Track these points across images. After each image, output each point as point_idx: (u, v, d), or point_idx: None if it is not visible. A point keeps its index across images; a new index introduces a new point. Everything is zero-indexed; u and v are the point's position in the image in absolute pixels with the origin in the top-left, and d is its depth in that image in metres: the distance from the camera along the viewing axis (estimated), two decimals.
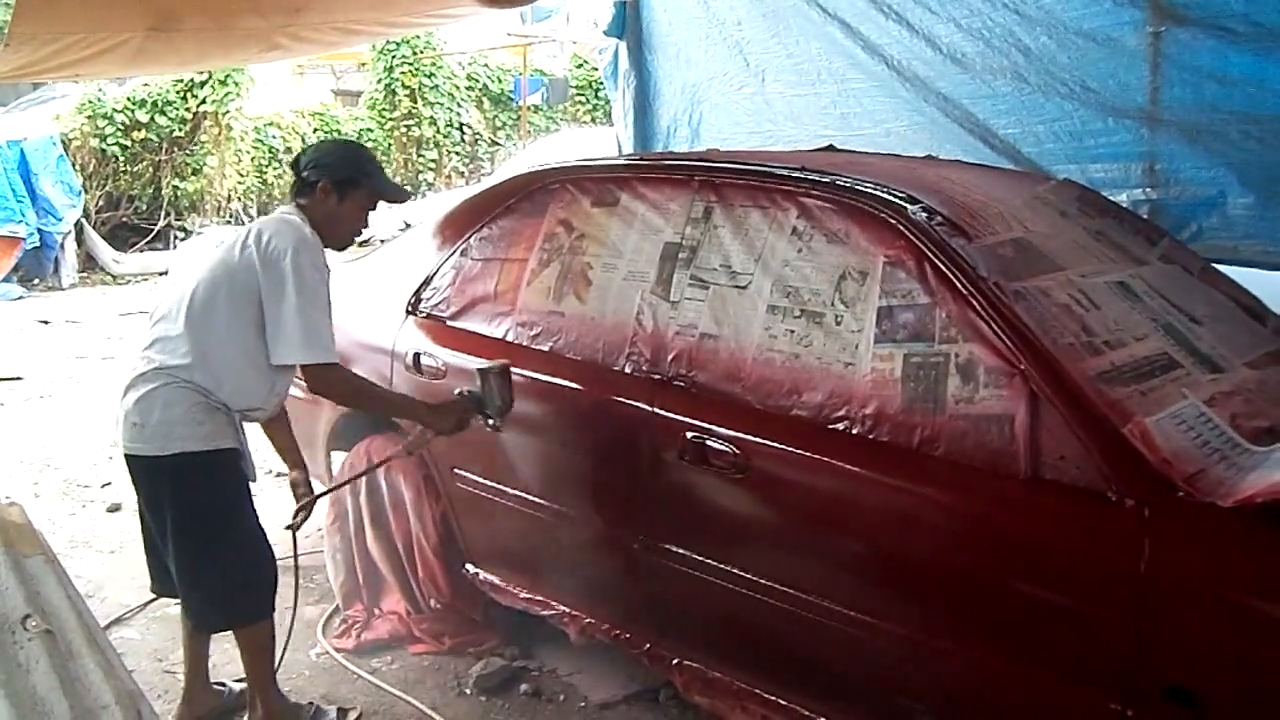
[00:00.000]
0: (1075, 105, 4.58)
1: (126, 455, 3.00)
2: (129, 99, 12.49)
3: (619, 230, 3.21)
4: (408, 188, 3.47)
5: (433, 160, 16.76)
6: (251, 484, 3.16)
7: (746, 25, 5.60)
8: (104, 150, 12.33)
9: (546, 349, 3.27)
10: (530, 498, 3.30)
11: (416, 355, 3.60)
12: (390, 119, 16.46)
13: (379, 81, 16.47)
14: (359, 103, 17.21)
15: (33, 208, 10.85)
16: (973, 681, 2.40)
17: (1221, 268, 3.42)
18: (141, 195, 12.68)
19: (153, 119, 12.58)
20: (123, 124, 12.45)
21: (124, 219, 12.21)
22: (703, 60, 5.77)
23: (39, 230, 10.95)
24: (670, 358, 2.95)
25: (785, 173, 2.93)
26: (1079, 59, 4.51)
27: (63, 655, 2.02)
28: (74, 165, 11.79)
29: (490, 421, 3.11)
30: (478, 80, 17.85)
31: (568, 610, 3.31)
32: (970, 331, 2.44)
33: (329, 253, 3.10)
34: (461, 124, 17.39)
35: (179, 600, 3.23)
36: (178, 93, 12.68)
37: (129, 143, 12.57)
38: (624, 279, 3.13)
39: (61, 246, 11.32)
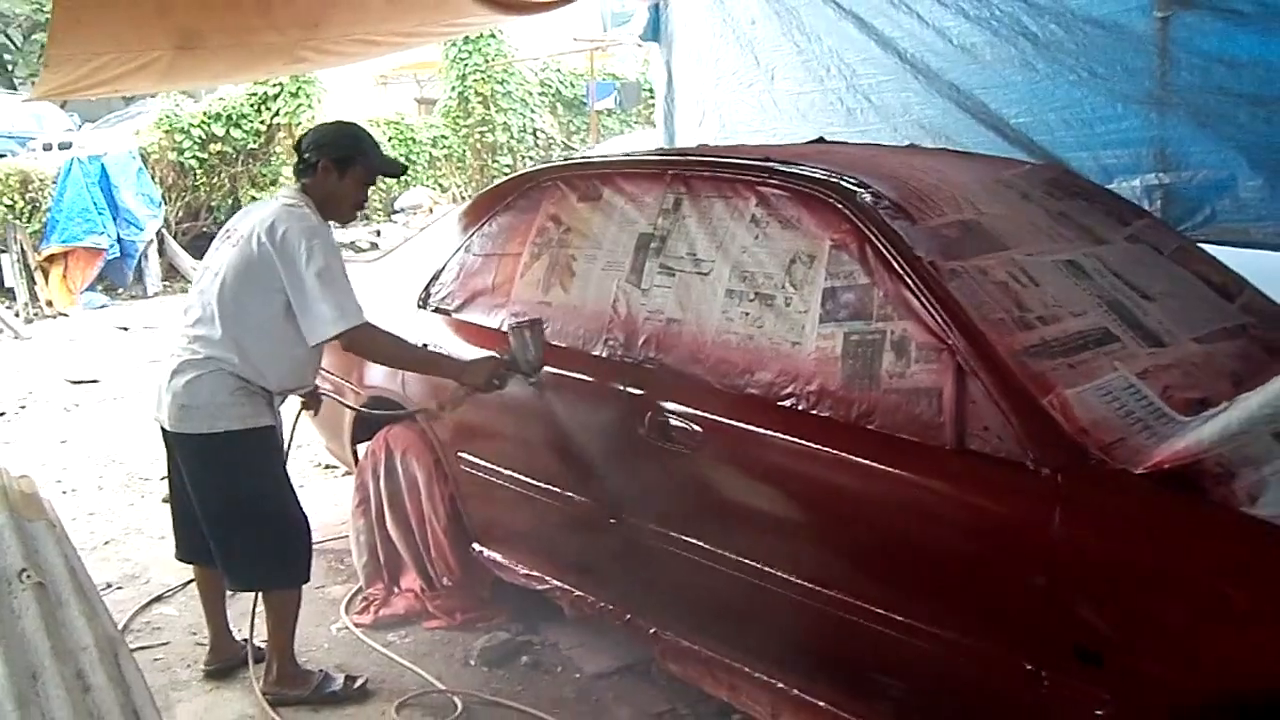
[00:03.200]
0: (1085, 92, 4.60)
1: (172, 433, 3.30)
2: (205, 113, 13.02)
3: (600, 223, 3.38)
4: (402, 161, 3.70)
5: (507, 165, 17.07)
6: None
7: (760, 24, 5.73)
8: (182, 163, 12.86)
9: None
10: (523, 478, 3.49)
11: (424, 346, 3.80)
12: (464, 125, 16.78)
13: (452, 89, 16.82)
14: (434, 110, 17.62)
15: (114, 220, 11.38)
16: (902, 643, 2.50)
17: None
18: (220, 205, 13.18)
19: (228, 132, 13.08)
20: (199, 138, 12.97)
21: (204, 229, 12.70)
22: (715, 60, 5.91)
23: (120, 241, 11.48)
24: (641, 341, 3.11)
25: (747, 164, 3.07)
26: (1087, 46, 4.53)
27: (51, 604, 2.24)
28: (154, 178, 12.32)
29: (527, 378, 3.27)
30: (550, 86, 18.11)
31: (560, 585, 3.49)
32: (904, 310, 2.56)
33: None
34: (535, 129, 17.66)
35: (204, 567, 3.55)
36: (251, 106, 13.17)
37: (206, 155, 13.07)
38: (603, 269, 3.30)
39: (144, 256, 11.85)
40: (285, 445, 3.52)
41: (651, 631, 3.17)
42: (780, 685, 2.83)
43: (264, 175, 13.46)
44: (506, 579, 3.73)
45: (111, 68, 4.20)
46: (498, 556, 3.74)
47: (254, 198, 13.35)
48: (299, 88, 13.05)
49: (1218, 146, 4.29)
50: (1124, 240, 3.17)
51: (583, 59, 17.72)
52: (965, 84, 4.93)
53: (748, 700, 2.95)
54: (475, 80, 16.49)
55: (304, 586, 3.54)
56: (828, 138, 4.65)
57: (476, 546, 3.82)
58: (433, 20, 4.58)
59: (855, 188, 2.82)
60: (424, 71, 20.20)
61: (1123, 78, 4.45)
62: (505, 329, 3.32)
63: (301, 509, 3.45)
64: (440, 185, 15.71)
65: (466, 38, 15.77)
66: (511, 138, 16.99)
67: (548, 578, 3.53)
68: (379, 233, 13.28)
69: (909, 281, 2.56)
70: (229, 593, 3.65)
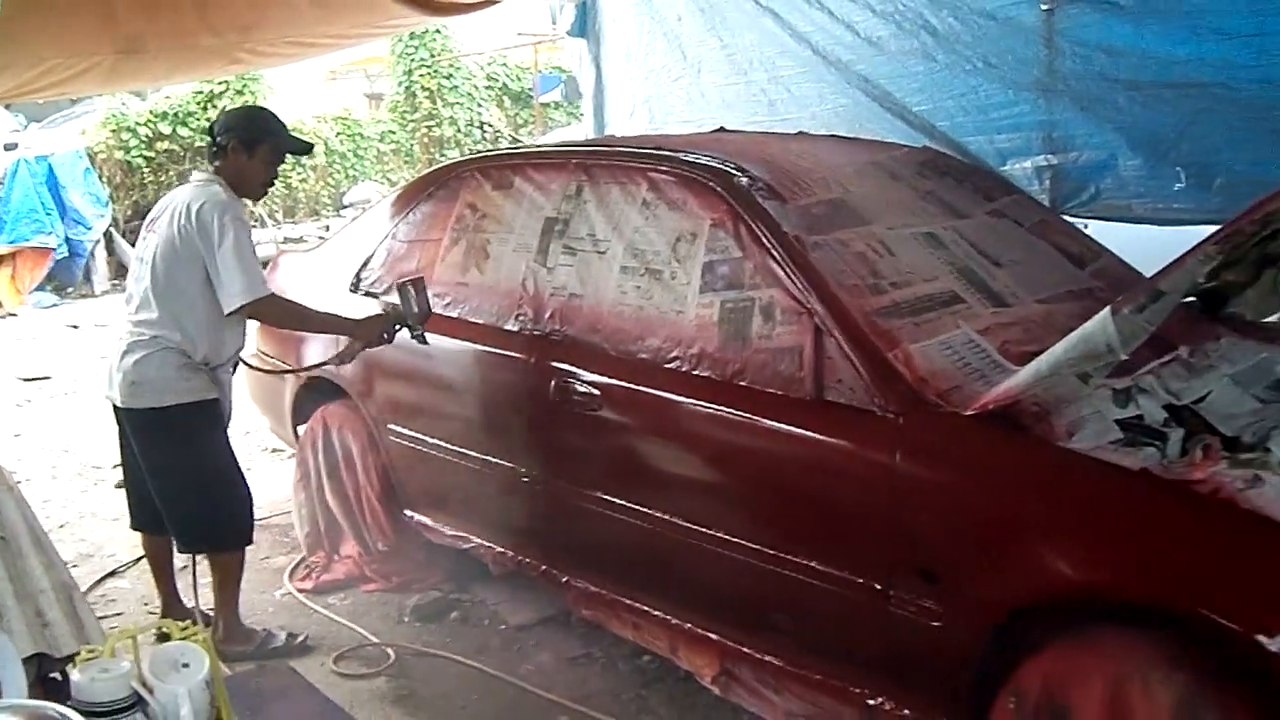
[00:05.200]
0: (980, 80, 4.90)
1: (124, 409, 3.57)
2: (151, 112, 13.11)
3: (512, 209, 3.69)
4: (308, 140, 3.99)
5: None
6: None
7: (686, 20, 6.00)
8: (129, 162, 12.95)
9: (455, 315, 3.74)
10: (446, 446, 3.79)
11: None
12: (412, 120, 16.95)
13: (399, 84, 16.99)
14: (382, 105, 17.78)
15: (62, 220, 11.48)
16: (776, 575, 2.81)
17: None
18: None
19: (175, 130, 13.18)
20: (146, 136, 13.07)
21: None
22: (644, 55, 6.19)
23: (69, 240, 11.58)
24: (547, 315, 3.42)
25: (640, 152, 3.38)
26: (981, 37, 4.82)
27: (13, 555, 2.53)
28: (101, 177, 12.41)
29: (412, 331, 3.57)
30: (497, 80, 18.31)
31: (482, 543, 3.79)
32: (771, 279, 2.88)
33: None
34: (482, 123, 17.85)
35: (153, 535, 3.83)
36: (198, 104, 13.28)
37: (153, 154, 13.16)
38: (514, 251, 3.61)
39: (92, 255, 11.97)
40: (229, 416, 3.77)
41: (564, 580, 3.48)
42: (675, 621, 3.15)
43: None
44: (436, 541, 4.02)
45: (56, 72, 4.43)
46: (427, 520, 4.03)
47: None
48: (244, 85, 13.18)
49: (1100, 129, 4.59)
50: (985, 215, 3.51)
51: (530, 53, 17.94)
52: (872, 74, 5.21)
53: (649, 638, 3.27)
54: (422, 75, 16.67)
55: (251, 558, 3.84)
56: (750, 127, 4.98)
57: (408, 512, 4.11)
58: (363, 23, 4.82)
59: (733, 172, 3.13)
60: (373, 66, 20.27)
61: (1013, 67, 4.74)
62: (394, 285, 3.65)
63: (244, 477, 3.75)
64: (389, 180, 15.90)
65: (412, 34, 15.95)
66: (459, 132, 17.18)
67: (471, 537, 3.84)
68: (327, 228, 13.46)
69: (775, 254, 2.89)
70: (178, 560, 3.91)
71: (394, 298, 3.62)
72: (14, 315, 11.04)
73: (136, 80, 5.71)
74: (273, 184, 3.75)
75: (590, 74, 6.76)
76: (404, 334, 3.59)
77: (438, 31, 16.32)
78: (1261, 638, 2.03)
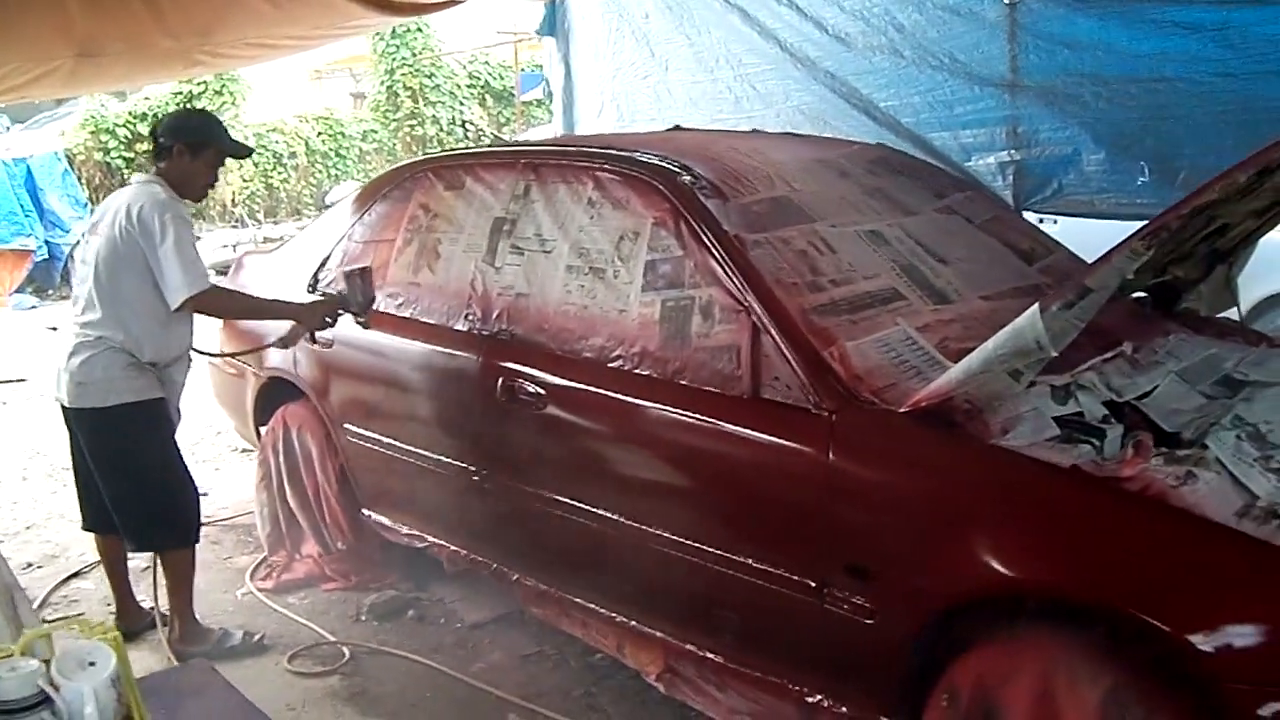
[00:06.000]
0: (945, 76, 4.91)
1: (71, 409, 3.60)
2: (130, 113, 13.13)
3: (463, 209, 3.69)
4: (249, 144, 4.04)
5: None
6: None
7: (654, 18, 6.01)
8: (108, 163, 12.98)
9: (407, 315, 3.75)
10: (400, 445, 3.79)
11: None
12: (394, 119, 16.98)
13: (381, 83, 17.00)
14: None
15: (40, 222, 11.48)
16: (716, 573, 2.82)
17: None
18: None
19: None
20: (125, 137, 13.09)
21: None
22: (612, 53, 6.20)
23: (47, 243, 11.57)
24: (495, 315, 3.43)
25: (587, 151, 3.38)
26: (946, 33, 4.84)
27: None
28: (80, 179, 12.42)
29: (356, 317, 3.65)
30: (479, 78, 18.34)
31: (436, 541, 3.80)
32: (710, 278, 2.89)
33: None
34: (465, 121, 17.88)
35: (106, 535, 3.84)
36: (178, 104, 13.28)
37: (132, 155, 13.19)
38: (464, 250, 3.61)
39: (71, 257, 11.95)
40: (178, 416, 3.78)
41: (515, 578, 3.49)
42: (620, 619, 3.15)
43: None
44: (392, 539, 4.03)
45: (14, 76, 4.43)
46: (384, 519, 4.03)
47: None
48: (223, 85, 13.21)
49: (1063, 124, 4.60)
50: (934, 212, 3.52)
51: (511, 51, 17.94)
52: (839, 71, 5.23)
53: (596, 636, 3.28)
54: (404, 74, 16.69)
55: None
56: (716, 125, 4.98)
57: (366, 511, 4.12)
58: (325, 24, 4.80)
59: (677, 171, 3.14)
60: (359, 65, 20.30)
61: (978, 62, 4.76)
62: (341, 271, 3.77)
63: (190, 475, 3.76)
64: (370, 179, 15.88)
65: (394, 32, 15.95)
66: (441, 130, 17.21)
67: (426, 536, 3.84)
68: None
69: (715, 252, 2.89)
70: (130, 559, 3.95)
71: (341, 284, 3.71)
72: None
73: (97, 83, 5.70)
74: (214, 185, 3.81)
75: (559, 72, 6.78)
76: (348, 319, 3.70)
77: (419, 30, 16.33)
78: (1189, 636, 2.04)
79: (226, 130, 3.81)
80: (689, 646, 2.97)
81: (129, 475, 3.60)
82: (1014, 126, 4.82)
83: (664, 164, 3.18)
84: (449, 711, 3.36)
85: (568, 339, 3.19)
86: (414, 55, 16.74)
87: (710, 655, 2.92)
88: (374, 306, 3.65)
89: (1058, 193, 4.76)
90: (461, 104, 17.67)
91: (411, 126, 16.92)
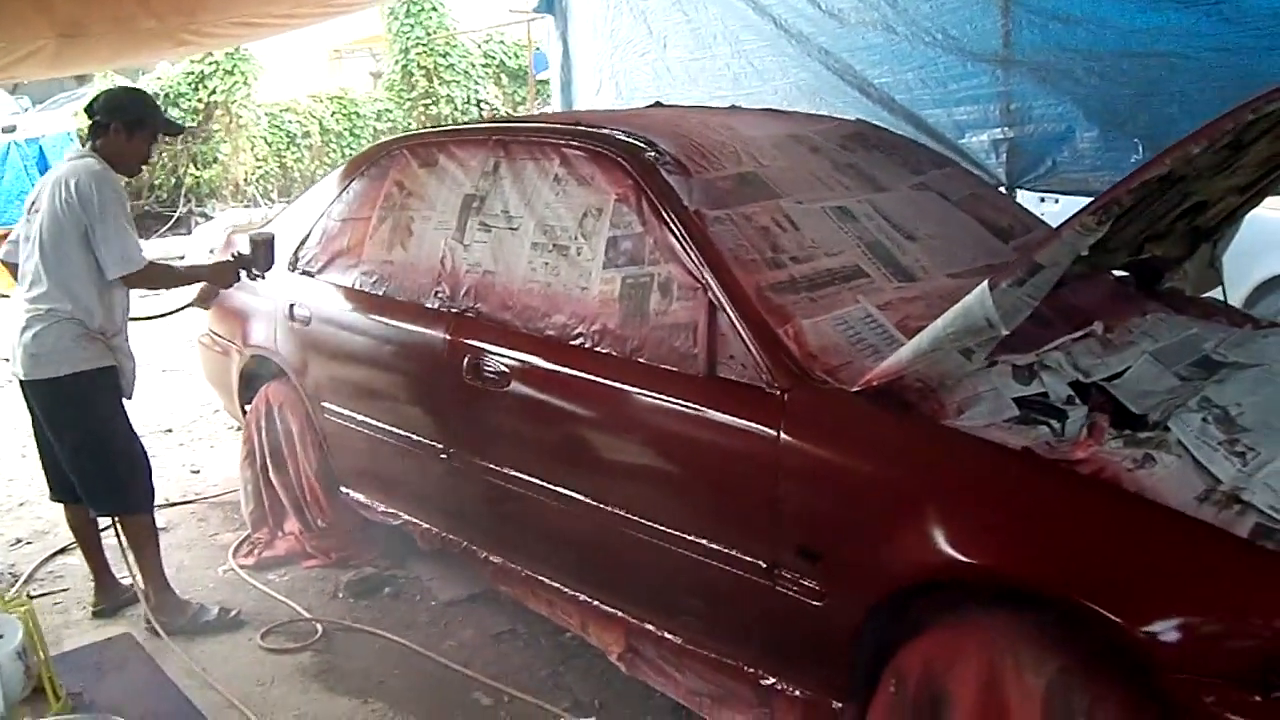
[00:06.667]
0: (939, 52, 4.84)
1: (26, 382, 3.69)
2: None
3: (435, 187, 3.67)
4: (182, 121, 4.19)
5: None
6: (127, 400, 3.82)
7: None
8: None
9: (380, 293, 3.73)
10: (374, 423, 3.79)
11: (291, 305, 4.09)
12: (409, 99, 16.94)
13: (396, 62, 16.96)
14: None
15: None
16: (674, 553, 2.80)
17: None
18: (163, 184, 13.34)
19: (166, 111, 13.18)
20: None
21: (145, 208, 12.87)
22: (610, 31, 6.15)
23: None
24: (463, 293, 3.41)
25: (555, 128, 3.35)
26: (939, 7, 4.77)
27: None
28: None
29: (255, 277, 3.91)
30: (494, 57, 18.26)
31: (410, 519, 3.80)
32: (669, 254, 2.85)
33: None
34: (479, 100, 17.81)
35: (74, 505, 3.92)
36: (189, 84, 13.32)
37: None
38: (435, 228, 3.59)
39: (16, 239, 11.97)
40: (131, 384, 3.83)
41: (484, 556, 3.48)
42: (583, 598, 3.14)
43: (204, 153, 13.61)
44: (369, 517, 4.03)
45: (1, 56, 4.45)
46: (361, 497, 4.04)
47: (195, 176, 13.52)
48: (234, 65, 13.20)
49: (1057, 101, 4.53)
50: (909, 188, 3.47)
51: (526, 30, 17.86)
52: (833, 48, 5.18)
53: (562, 615, 3.27)
54: (418, 53, 16.63)
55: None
56: (712, 101, 4.93)
57: (344, 489, 4.12)
58: (311, 2, 4.79)
59: (642, 146, 3.10)
60: (379, 45, 20.29)
61: (971, 37, 4.69)
62: (248, 237, 3.95)
63: (140, 443, 3.84)
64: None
65: (408, 11, 15.91)
66: (455, 109, 17.15)
67: (400, 513, 3.84)
68: None
69: (674, 229, 2.85)
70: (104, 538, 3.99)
71: (245, 248, 3.91)
72: (6, 297, 11.06)
73: (84, 63, 5.73)
74: (148, 162, 3.95)
75: (558, 50, 6.74)
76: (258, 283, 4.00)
77: (434, 9, 16.29)
78: (1135, 626, 1.98)
79: (159, 109, 3.95)
80: (649, 626, 2.96)
81: (84, 442, 3.68)
82: (1007, 103, 4.76)
83: (629, 139, 3.14)
84: (415, 688, 3.36)
85: (531, 317, 3.16)
86: (429, 34, 16.67)
87: (669, 636, 2.90)
88: (271, 269, 3.90)
89: (1051, 171, 4.69)
90: (476, 83, 17.60)
91: (426, 106, 16.87)
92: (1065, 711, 2.07)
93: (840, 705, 2.53)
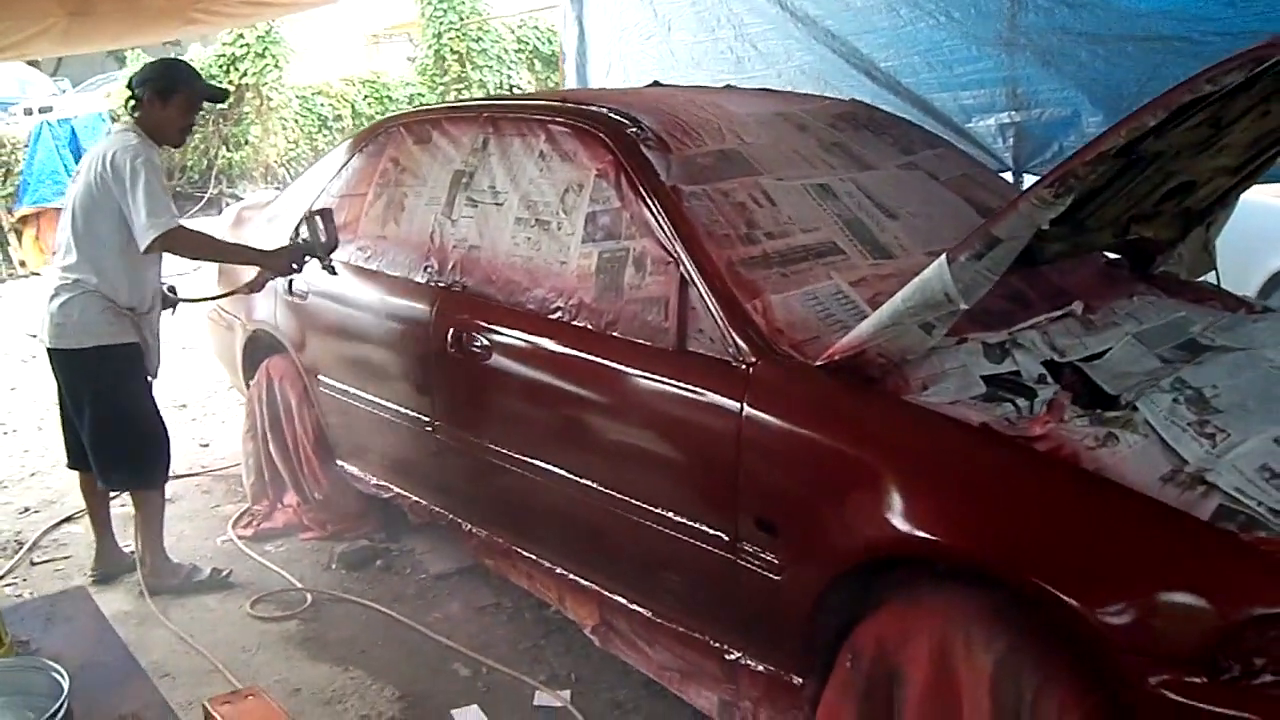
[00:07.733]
0: (944, 35, 4.82)
1: (51, 350, 3.73)
2: None
3: (427, 163, 3.70)
4: (225, 87, 4.12)
5: None
6: (153, 379, 3.85)
7: None
8: None
9: (374, 269, 3.78)
10: (366, 396, 3.83)
11: (290, 280, 4.13)
12: (441, 83, 16.97)
13: (429, 47, 17.01)
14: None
15: None
16: (643, 526, 2.82)
17: None
18: (195, 165, 13.49)
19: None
20: None
21: (177, 189, 13.01)
22: (618, 13, 6.16)
23: None
24: (450, 267, 3.44)
25: (542, 104, 3.37)
26: None
27: None
28: None
29: (321, 261, 3.69)
30: (528, 42, 18.26)
31: (401, 492, 3.84)
32: (645, 229, 2.86)
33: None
34: (512, 86, 17.82)
35: (88, 473, 3.95)
36: (220, 66, 13.44)
37: None
38: (425, 204, 3.63)
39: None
40: (157, 363, 3.87)
41: (468, 530, 3.52)
42: (560, 571, 3.17)
43: (235, 135, 13.75)
44: (363, 490, 4.09)
45: (10, 34, 4.54)
46: (355, 470, 4.09)
47: (227, 158, 13.67)
48: (265, 48, 13.31)
49: (1062, 85, 4.50)
50: (896, 167, 3.45)
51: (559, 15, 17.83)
52: (839, 30, 5.16)
53: (540, 588, 3.30)
54: (451, 38, 16.67)
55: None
56: (715, 84, 4.93)
57: (339, 462, 4.18)
58: None
59: (624, 123, 3.11)
60: (416, 30, 20.36)
61: (977, 20, 4.66)
62: (302, 216, 3.79)
63: (162, 420, 3.86)
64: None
65: None
66: (488, 94, 17.16)
67: (391, 486, 3.89)
68: None
69: (650, 204, 2.87)
70: (116, 508, 4.09)
71: (304, 230, 3.73)
72: (38, 275, 11.27)
73: (93, 41, 5.81)
74: (191, 130, 3.86)
75: (574, 32, 6.75)
76: (314, 264, 3.74)
77: None
78: (1086, 607, 1.96)
79: (198, 76, 3.87)
80: (621, 600, 2.98)
81: (102, 416, 3.71)
82: (1013, 87, 4.72)
83: (611, 116, 3.15)
84: (396, 658, 3.41)
85: (513, 291, 3.19)
86: (461, 19, 16.71)
87: (639, 609, 2.93)
88: (337, 250, 3.70)
89: (1059, 155, 4.64)
90: (509, 68, 17.62)
91: (458, 90, 16.91)
92: (1014, 690, 2.07)
93: (801, 681, 2.54)
